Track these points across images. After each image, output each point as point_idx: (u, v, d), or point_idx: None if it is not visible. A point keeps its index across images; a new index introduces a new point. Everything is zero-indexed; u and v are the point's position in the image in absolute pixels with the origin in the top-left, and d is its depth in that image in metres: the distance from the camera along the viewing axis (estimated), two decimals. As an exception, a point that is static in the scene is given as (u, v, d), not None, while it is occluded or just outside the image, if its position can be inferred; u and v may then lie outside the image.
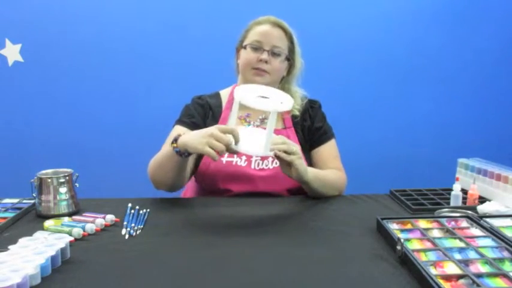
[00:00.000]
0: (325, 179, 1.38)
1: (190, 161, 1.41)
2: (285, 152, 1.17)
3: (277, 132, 1.44)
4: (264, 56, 1.42)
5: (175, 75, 2.49)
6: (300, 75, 1.54)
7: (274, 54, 1.44)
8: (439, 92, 2.61)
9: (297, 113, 1.50)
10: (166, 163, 1.29)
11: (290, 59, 1.49)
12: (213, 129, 1.12)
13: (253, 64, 1.43)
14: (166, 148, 1.29)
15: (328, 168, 1.46)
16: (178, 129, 1.44)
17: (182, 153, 1.22)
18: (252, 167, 1.42)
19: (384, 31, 2.54)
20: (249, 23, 1.50)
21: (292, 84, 1.54)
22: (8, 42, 2.43)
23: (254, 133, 1.24)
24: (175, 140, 1.22)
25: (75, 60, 2.47)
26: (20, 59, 2.45)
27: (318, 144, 1.51)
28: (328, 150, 1.51)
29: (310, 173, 1.29)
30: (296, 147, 1.22)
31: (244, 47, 1.46)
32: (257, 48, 1.44)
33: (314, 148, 1.51)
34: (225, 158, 1.41)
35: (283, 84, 1.53)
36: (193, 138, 1.15)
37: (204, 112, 1.50)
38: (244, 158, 1.42)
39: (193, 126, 1.44)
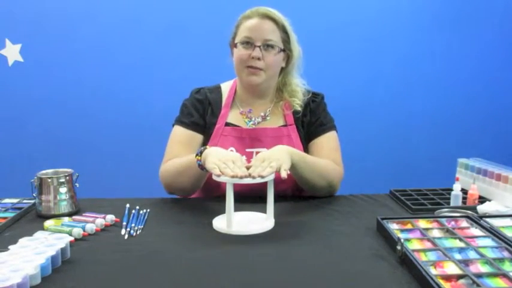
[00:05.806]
0: (314, 164, 1.32)
1: None
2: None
3: (278, 130, 1.43)
4: (256, 52, 1.34)
5: (175, 75, 2.48)
6: (300, 64, 1.46)
7: (266, 48, 1.36)
8: (439, 92, 2.61)
9: (298, 108, 1.44)
10: (187, 172, 1.29)
11: (286, 49, 1.41)
12: (234, 158, 1.14)
13: (246, 62, 1.36)
14: (188, 158, 1.29)
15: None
16: (179, 131, 1.44)
17: (204, 167, 1.21)
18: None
19: (385, 31, 2.54)
20: (238, 18, 1.42)
21: (293, 76, 1.47)
22: (8, 42, 2.43)
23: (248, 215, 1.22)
24: (200, 153, 1.22)
25: (75, 60, 2.47)
26: (20, 59, 2.45)
27: (315, 136, 1.44)
28: (324, 142, 1.43)
29: (296, 155, 1.25)
30: (266, 156, 1.18)
31: (236, 45, 1.39)
32: (248, 44, 1.36)
33: (311, 141, 1.45)
34: None
35: (283, 77, 1.47)
36: (212, 157, 1.16)
37: (203, 108, 1.46)
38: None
39: (193, 126, 1.44)
